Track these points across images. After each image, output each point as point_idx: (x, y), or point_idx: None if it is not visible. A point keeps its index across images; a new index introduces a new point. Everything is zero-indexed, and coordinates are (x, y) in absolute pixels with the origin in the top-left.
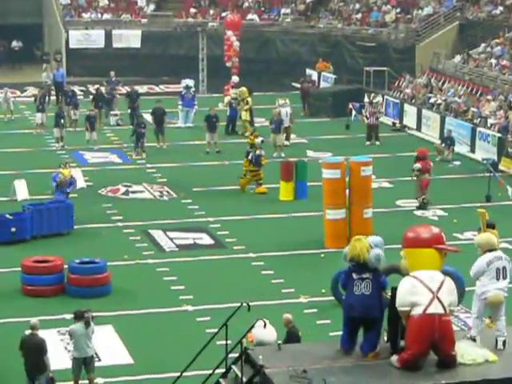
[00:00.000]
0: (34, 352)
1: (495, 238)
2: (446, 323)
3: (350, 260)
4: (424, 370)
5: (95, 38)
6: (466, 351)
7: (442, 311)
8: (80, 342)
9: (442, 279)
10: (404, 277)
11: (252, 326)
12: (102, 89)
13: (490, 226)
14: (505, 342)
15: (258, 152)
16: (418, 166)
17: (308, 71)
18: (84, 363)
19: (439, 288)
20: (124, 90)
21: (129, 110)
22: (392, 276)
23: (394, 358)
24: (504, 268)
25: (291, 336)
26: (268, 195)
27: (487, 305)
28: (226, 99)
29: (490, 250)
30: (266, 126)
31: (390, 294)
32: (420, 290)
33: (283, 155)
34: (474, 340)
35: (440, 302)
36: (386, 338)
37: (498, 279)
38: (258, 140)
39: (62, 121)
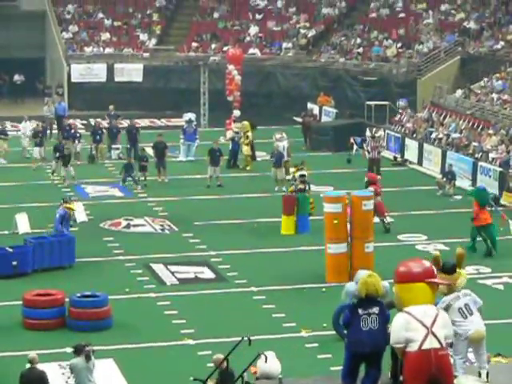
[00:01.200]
0: None
1: (441, 287)
2: (443, 357)
3: (365, 296)
4: None
5: (97, 72)
6: None
7: (437, 345)
8: (81, 376)
9: (436, 313)
10: (397, 312)
11: (254, 360)
12: (104, 122)
13: (447, 270)
14: (488, 373)
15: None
16: (371, 189)
17: (309, 105)
18: None
19: (433, 322)
20: (125, 123)
21: (128, 145)
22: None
23: None
24: (467, 305)
25: (226, 375)
26: (270, 229)
27: (469, 343)
28: (229, 133)
29: (446, 294)
30: (266, 160)
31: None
32: (414, 326)
33: (284, 189)
34: (480, 376)
35: (435, 336)
36: (390, 374)
37: (465, 318)
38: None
39: (58, 154)
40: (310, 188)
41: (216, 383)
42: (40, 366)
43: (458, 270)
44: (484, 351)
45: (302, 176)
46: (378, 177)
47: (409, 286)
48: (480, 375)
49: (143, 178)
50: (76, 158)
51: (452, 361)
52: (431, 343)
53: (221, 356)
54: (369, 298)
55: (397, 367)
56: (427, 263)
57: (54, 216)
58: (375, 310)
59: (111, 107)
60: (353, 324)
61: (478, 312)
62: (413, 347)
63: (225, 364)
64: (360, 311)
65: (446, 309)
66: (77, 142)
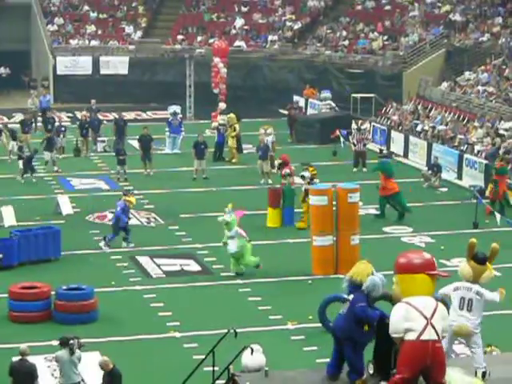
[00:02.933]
0: (25, 378)
1: (470, 272)
2: (439, 350)
3: (348, 279)
4: None
5: (83, 65)
6: (454, 378)
7: (435, 337)
8: (65, 368)
9: (435, 305)
10: (394, 304)
11: (240, 353)
12: (85, 114)
13: (479, 259)
14: (484, 373)
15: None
16: (287, 171)
17: (295, 98)
18: None
19: (433, 314)
20: (113, 116)
21: (114, 137)
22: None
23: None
24: (470, 300)
25: (115, 377)
26: (255, 221)
27: (455, 336)
28: (214, 125)
29: (469, 282)
30: (252, 153)
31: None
32: (414, 316)
33: (270, 182)
34: None
35: (434, 328)
36: (371, 371)
37: (461, 308)
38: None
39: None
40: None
41: None
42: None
43: (487, 264)
44: (477, 350)
45: (302, 177)
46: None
47: (409, 277)
48: (476, 375)
49: (123, 172)
50: (60, 151)
51: None
52: (430, 334)
53: (107, 358)
54: (351, 285)
55: (384, 364)
56: (428, 255)
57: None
58: (350, 297)
59: (93, 101)
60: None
61: (476, 313)
62: (411, 336)
63: (111, 365)
64: (346, 296)
65: (455, 289)
66: (62, 136)
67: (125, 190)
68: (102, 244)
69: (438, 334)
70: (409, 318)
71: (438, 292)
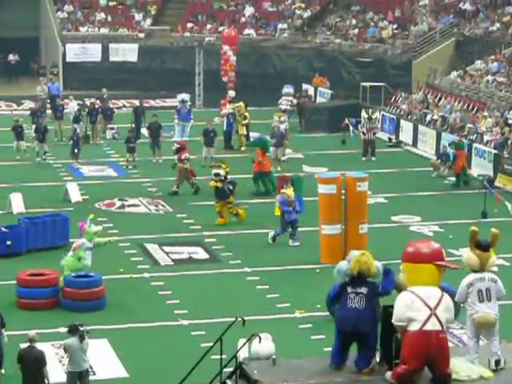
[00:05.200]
0: (33, 365)
1: (476, 260)
2: (443, 340)
3: (358, 274)
4: None
5: (92, 52)
6: (461, 368)
7: (439, 328)
8: (75, 355)
9: (440, 296)
10: (400, 292)
11: (247, 341)
12: (98, 102)
13: (483, 246)
14: (497, 361)
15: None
16: (186, 155)
17: (304, 86)
18: (79, 377)
19: (437, 305)
20: (120, 103)
21: (133, 125)
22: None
23: (389, 373)
24: (488, 289)
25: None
26: (264, 210)
27: (477, 326)
28: (223, 113)
29: (476, 271)
30: None
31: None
32: (418, 306)
33: (279, 169)
34: (473, 362)
35: (437, 318)
36: (378, 359)
37: (481, 301)
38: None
39: (34, 135)
40: (233, 190)
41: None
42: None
43: (491, 250)
44: (493, 339)
45: (217, 175)
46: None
47: (416, 266)
48: (489, 363)
49: (132, 159)
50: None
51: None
52: (433, 325)
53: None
54: (360, 277)
55: (387, 352)
56: (436, 245)
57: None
58: (363, 290)
59: (104, 90)
60: (341, 302)
61: (496, 300)
62: (414, 327)
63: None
64: (349, 289)
65: (469, 286)
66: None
67: (284, 183)
68: (289, 241)
69: (442, 325)
70: (412, 308)
71: (456, 298)
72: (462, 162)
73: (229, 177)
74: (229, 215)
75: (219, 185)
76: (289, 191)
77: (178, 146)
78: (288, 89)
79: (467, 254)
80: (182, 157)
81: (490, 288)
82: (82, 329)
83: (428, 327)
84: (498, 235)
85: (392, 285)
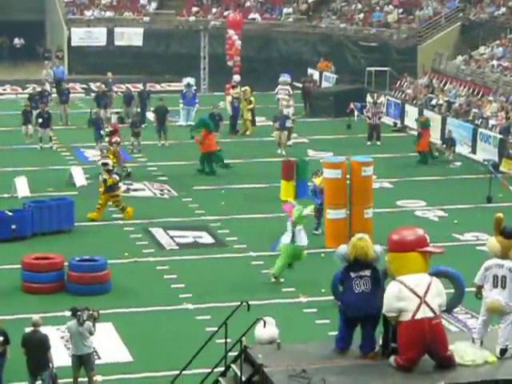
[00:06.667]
0: (37, 348)
1: (498, 247)
2: (437, 326)
3: (354, 259)
4: (425, 370)
5: (97, 36)
6: (466, 352)
7: (431, 314)
8: (74, 339)
9: (429, 282)
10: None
11: (252, 325)
12: (99, 85)
13: (506, 233)
14: (502, 350)
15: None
16: (117, 139)
17: (310, 71)
18: (81, 361)
19: (426, 292)
20: (124, 87)
21: (138, 109)
22: None
23: (393, 358)
24: (504, 277)
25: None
26: (269, 194)
27: (487, 311)
28: (229, 98)
29: (498, 257)
30: (267, 126)
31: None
32: (406, 295)
33: (284, 153)
34: (473, 341)
35: (428, 305)
36: (381, 342)
37: (495, 286)
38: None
39: (39, 120)
40: (118, 180)
41: None
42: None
43: None
44: (504, 327)
45: (105, 165)
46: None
47: (401, 255)
48: (495, 350)
49: (137, 143)
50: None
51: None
52: (424, 312)
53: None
54: (358, 261)
55: (388, 335)
56: (420, 231)
57: None
58: (367, 272)
59: (109, 74)
60: (346, 287)
61: (511, 290)
62: (406, 317)
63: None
64: (352, 274)
65: (487, 269)
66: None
67: (316, 171)
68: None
69: (433, 311)
70: (402, 298)
71: (474, 281)
72: (427, 140)
73: (115, 169)
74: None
75: (106, 176)
76: (318, 180)
77: (110, 129)
78: (284, 77)
79: (490, 241)
80: (113, 140)
81: (506, 276)
82: (79, 313)
83: (419, 315)
84: (499, 219)
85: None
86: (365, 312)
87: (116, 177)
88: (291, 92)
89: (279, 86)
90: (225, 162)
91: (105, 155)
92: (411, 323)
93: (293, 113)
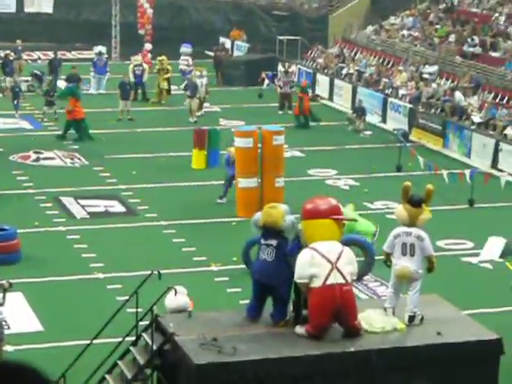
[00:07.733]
0: None
1: (405, 215)
2: (347, 293)
3: (262, 226)
4: (333, 337)
5: (7, 3)
6: (375, 319)
7: (342, 281)
8: None
9: (341, 249)
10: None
11: (163, 294)
12: (8, 53)
13: (413, 202)
14: (411, 317)
15: None
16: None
17: (221, 39)
18: None
19: (338, 258)
20: (35, 55)
21: (50, 77)
22: None
23: (299, 328)
24: (412, 245)
25: None
26: (180, 163)
27: (396, 278)
28: (130, 67)
29: (406, 225)
30: (180, 95)
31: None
32: (319, 261)
33: (196, 120)
34: (385, 310)
35: (339, 271)
36: (292, 308)
37: (404, 254)
38: None
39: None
40: None
41: None
42: None
43: (423, 206)
44: (411, 294)
45: None
46: None
47: (314, 222)
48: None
49: (52, 112)
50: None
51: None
52: (335, 278)
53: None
54: (268, 229)
55: (299, 303)
56: (333, 201)
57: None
58: (273, 242)
59: (18, 42)
60: (257, 254)
61: (419, 258)
62: (317, 283)
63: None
64: (262, 241)
65: (395, 237)
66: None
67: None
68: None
69: (344, 278)
70: (314, 264)
71: (383, 248)
72: (307, 104)
73: None
74: None
75: None
76: (233, 149)
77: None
78: (186, 48)
79: (398, 209)
80: None
81: (414, 244)
82: None
83: (330, 281)
84: (432, 191)
85: (298, 251)
86: (266, 280)
87: None
88: (191, 62)
89: (181, 57)
90: (89, 132)
91: None
92: (322, 289)
93: (206, 83)
